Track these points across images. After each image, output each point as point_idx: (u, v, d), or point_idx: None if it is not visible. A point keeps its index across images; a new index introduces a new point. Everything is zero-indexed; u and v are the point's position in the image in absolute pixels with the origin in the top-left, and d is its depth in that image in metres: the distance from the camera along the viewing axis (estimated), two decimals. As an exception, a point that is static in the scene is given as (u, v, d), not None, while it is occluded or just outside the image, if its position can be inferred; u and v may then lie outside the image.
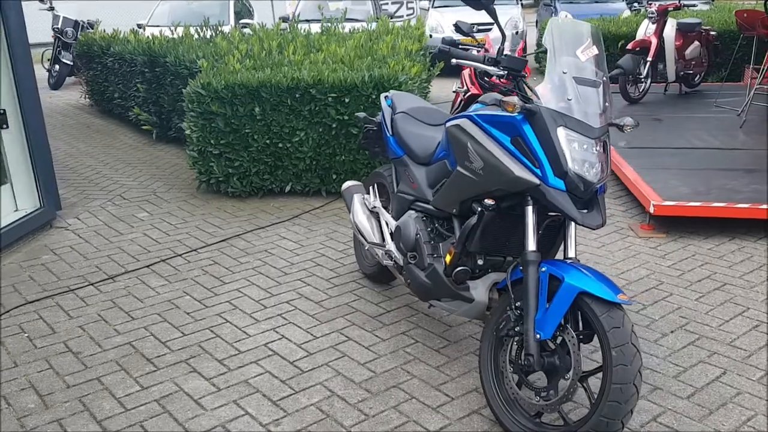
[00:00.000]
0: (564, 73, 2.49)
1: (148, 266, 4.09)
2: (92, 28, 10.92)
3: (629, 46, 7.61)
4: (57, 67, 11.05)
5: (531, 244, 2.50)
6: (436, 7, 13.01)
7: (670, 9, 7.63)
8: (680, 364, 3.04)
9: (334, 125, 5.07)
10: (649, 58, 7.50)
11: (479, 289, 2.80)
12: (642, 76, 7.64)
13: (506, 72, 2.62)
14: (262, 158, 5.19)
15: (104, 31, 9.03)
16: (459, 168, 2.74)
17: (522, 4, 13.42)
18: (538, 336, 2.41)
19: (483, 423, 2.66)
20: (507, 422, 2.54)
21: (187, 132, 5.23)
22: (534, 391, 2.49)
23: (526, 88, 2.65)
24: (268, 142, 5.14)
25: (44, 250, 4.33)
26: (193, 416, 2.69)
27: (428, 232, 3.02)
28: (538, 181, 2.44)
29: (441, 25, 12.10)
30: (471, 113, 2.71)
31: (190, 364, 3.05)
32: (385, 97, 3.65)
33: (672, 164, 5.31)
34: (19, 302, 3.63)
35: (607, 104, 2.54)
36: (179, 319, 3.44)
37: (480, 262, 2.77)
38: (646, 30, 7.68)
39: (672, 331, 3.32)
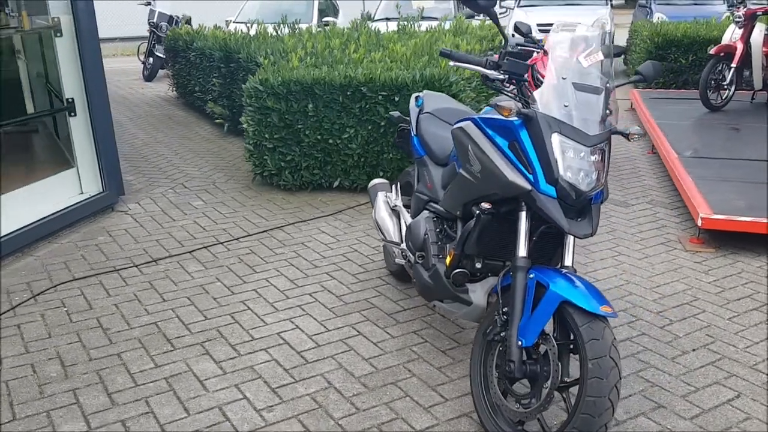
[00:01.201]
0: (563, 78, 2.45)
1: (190, 252, 4.30)
2: (188, 23, 11.47)
3: (712, 51, 7.25)
4: (151, 59, 11.66)
5: (522, 250, 2.48)
6: (521, 6, 12.81)
7: (759, 13, 7.21)
8: (693, 383, 2.92)
9: (382, 123, 5.14)
10: (734, 65, 7.12)
11: (478, 293, 2.80)
12: (725, 83, 7.26)
13: (507, 76, 2.60)
14: (313, 153, 5.32)
15: (201, 26, 9.44)
16: (461, 170, 2.74)
17: (612, 5, 12.98)
18: (520, 342, 2.39)
19: (470, 426, 2.65)
20: (489, 426, 2.53)
21: (245, 126, 5.43)
22: (515, 398, 2.47)
23: (528, 92, 2.61)
24: (318, 137, 5.27)
25: (101, 232, 4.63)
26: (194, 396, 2.83)
27: (437, 233, 3.03)
28: (529, 187, 2.42)
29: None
30: (476, 116, 2.71)
31: (204, 346, 3.20)
32: (416, 97, 3.67)
33: (735, 176, 5.04)
34: (67, 278, 3.91)
35: (607, 112, 2.47)
36: (205, 304, 3.61)
37: (478, 265, 2.77)
38: (732, 35, 7.29)
39: (694, 350, 3.18)
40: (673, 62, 9.26)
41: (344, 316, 3.49)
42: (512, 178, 2.44)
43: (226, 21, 11.80)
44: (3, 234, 4.15)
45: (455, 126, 2.80)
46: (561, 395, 2.43)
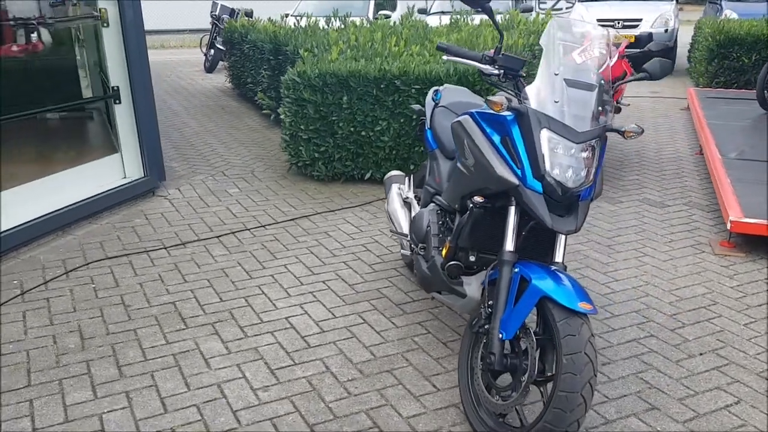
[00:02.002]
0: (555, 74, 2.45)
1: (218, 237, 4.45)
2: (248, 16, 11.75)
3: None
4: (212, 51, 12.00)
5: (509, 244, 2.50)
6: (582, 1, 12.57)
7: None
8: (693, 387, 2.87)
9: (414, 117, 5.17)
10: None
11: (473, 286, 2.82)
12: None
13: (502, 71, 2.61)
14: (346, 145, 5.41)
15: (256, 18, 9.68)
16: (458, 164, 2.77)
17: (678, 0, 12.58)
18: (500, 335, 2.41)
19: (457, 416, 2.69)
20: (471, 417, 2.56)
21: (282, 117, 5.57)
22: (495, 390, 2.49)
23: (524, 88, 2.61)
24: (352, 129, 5.35)
25: (139, 215, 4.85)
26: (197, 373, 2.96)
27: (439, 225, 3.06)
28: (517, 182, 2.43)
29: (584, 20, 11.69)
30: (474, 111, 2.72)
31: (215, 327, 3.34)
32: (435, 90, 3.70)
33: (777, 180, 4.86)
34: (100, 257, 4.12)
35: (600, 109, 2.46)
36: (223, 287, 3.75)
37: (472, 258, 2.79)
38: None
39: (701, 354, 3.12)
40: (735, 61, 8.93)
41: (353, 304, 3.57)
42: (500, 173, 2.46)
43: (284, 15, 12.02)
44: (48, 212, 4.40)
45: (455, 120, 2.83)
46: (539, 389, 2.44)
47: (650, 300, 3.64)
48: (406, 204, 3.67)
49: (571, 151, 2.39)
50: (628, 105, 6.12)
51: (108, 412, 2.69)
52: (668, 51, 11.45)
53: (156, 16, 18.65)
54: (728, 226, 4.14)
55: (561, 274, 2.41)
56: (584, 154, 2.41)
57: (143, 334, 3.27)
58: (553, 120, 2.40)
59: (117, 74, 5.04)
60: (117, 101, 5.09)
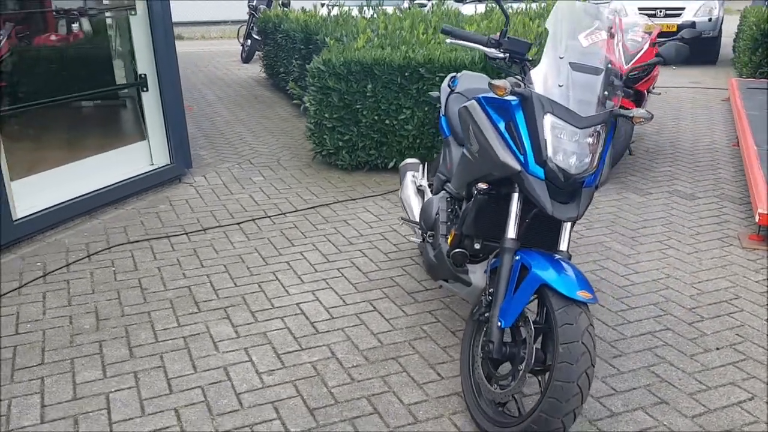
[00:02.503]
0: (561, 57, 2.40)
1: (238, 223, 4.50)
2: (287, 7, 11.80)
3: None
4: (249, 42, 12.09)
5: (510, 231, 2.46)
6: (623, -10, 12.25)
7: None
8: (706, 382, 2.79)
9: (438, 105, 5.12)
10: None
11: (478, 273, 2.79)
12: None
13: (507, 54, 2.56)
14: (370, 134, 5.40)
15: (296, 9, 9.71)
16: (464, 150, 2.74)
17: (724, -11, 12.18)
18: (499, 324, 2.37)
19: (458, 404, 2.67)
20: (471, 406, 2.54)
21: (307, 105, 5.59)
22: (494, 379, 2.46)
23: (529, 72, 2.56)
24: (376, 118, 5.34)
25: (164, 201, 4.92)
26: (205, 355, 2.99)
27: (448, 213, 3.03)
28: (519, 168, 2.39)
29: (625, 8, 11.42)
30: (481, 96, 2.68)
31: (227, 311, 3.37)
32: (452, 77, 3.66)
33: (814, 172, 4.67)
34: (122, 241, 4.20)
35: (606, 93, 2.39)
36: (239, 272, 3.78)
37: (477, 246, 2.75)
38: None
39: (717, 348, 3.03)
40: (781, 50, 8.62)
41: (365, 291, 3.56)
42: (503, 158, 2.42)
43: (321, 4, 12.04)
44: (75, 196, 4.50)
45: (461, 105, 2.79)
46: (537, 379, 2.40)
47: (670, 293, 3.55)
48: (420, 192, 3.64)
49: (574, 137, 2.33)
50: (659, 94, 5.96)
51: (115, 391, 2.75)
52: (711, 41, 11.12)
53: (198, 7, 18.93)
54: (756, 218, 4.01)
55: (563, 263, 2.36)
56: (588, 140, 2.35)
57: (156, 316, 3.32)
58: (556, 104, 2.35)
59: (144, 62, 5.12)
60: (144, 89, 5.17)
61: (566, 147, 2.33)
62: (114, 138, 5.29)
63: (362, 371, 2.88)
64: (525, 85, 2.46)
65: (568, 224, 2.49)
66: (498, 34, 2.63)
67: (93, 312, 3.36)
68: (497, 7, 7.69)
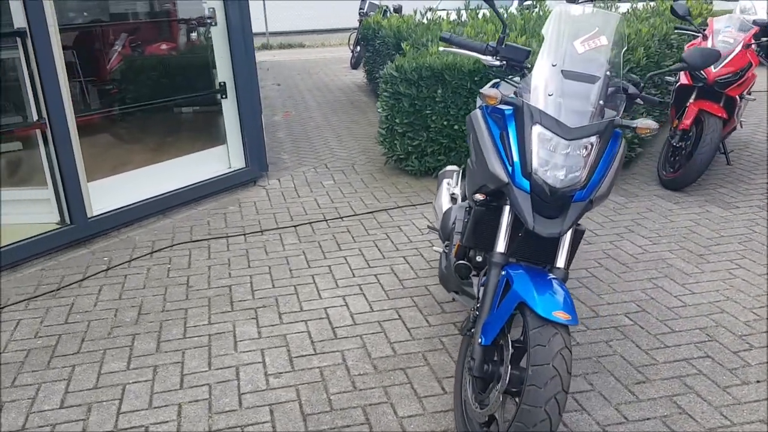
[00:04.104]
0: (553, 65, 2.28)
1: (295, 226, 4.62)
2: (398, 12, 11.94)
3: None
4: (358, 48, 12.33)
5: (500, 245, 2.37)
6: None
7: None
8: (732, 418, 2.55)
9: (505, 112, 5.00)
10: None
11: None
12: None
13: (505, 62, 2.46)
14: (439, 139, 5.36)
15: (396, 14, 9.83)
16: (468, 159, 2.66)
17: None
18: (480, 341, 2.29)
19: (452, 421, 2.60)
20: (457, 422, 2.47)
21: (379, 111, 5.63)
22: (476, 397, 2.37)
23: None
24: (445, 123, 5.29)
25: (234, 203, 5.14)
26: (223, 354, 3.11)
27: (465, 222, 2.95)
28: (507, 180, 2.29)
29: (755, 6, 10.58)
30: (485, 104, 2.59)
31: (257, 311, 3.47)
32: (495, 82, 3.56)
33: None
34: (185, 240, 4.44)
35: (602, 103, 2.24)
36: (280, 274, 3.89)
37: (479, 258, 2.66)
38: None
39: (758, 381, 2.75)
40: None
41: (395, 299, 3.55)
42: (492, 169, 2.33)
43: (429, 8, 12.05)
44: (156, 195, 4.81)
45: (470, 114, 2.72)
46: (515, 401, 2.28)
47: (723, 317, 3.26)
48: (453, 200, 3.57)
49: (562, 149, 2.21)
50: (754, 99, 5.46)
51: (133, 382, 2.91)
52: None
53: (318, 16, 19.57)
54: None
55: (551, 281, 2.24)
56: (578, 152, 2.21)
57: (192, 313, 3.49)
58: (545, 115, 2.23)
59: (224, 71, 5.37)
60: (224, 96, 5.42)
61: (552, 159, 2.21)
62: (198, 142, 5.59)
63: (366, 380, 2.87)
64: (520, 94, 2.35)
65: (567, 239, 2.36)
66: (496, 41, 2.53)
67: (137, 306, 3.58)
68: (611, 7, 7.43)
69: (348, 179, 5.62)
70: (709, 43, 4.99)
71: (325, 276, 3.84)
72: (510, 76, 2.71)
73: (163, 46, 6.56)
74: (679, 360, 2.94)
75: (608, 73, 2.28)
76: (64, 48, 6.31)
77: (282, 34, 18.49)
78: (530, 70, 2.46)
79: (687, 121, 4.98)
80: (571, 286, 3.66)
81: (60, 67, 4.14)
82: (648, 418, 2.57)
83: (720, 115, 4.86)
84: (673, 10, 5.09)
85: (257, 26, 16.99)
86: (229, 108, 5.44)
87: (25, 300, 3.67)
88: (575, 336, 3.17)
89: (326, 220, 4.70)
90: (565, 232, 2.25)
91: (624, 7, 8.05)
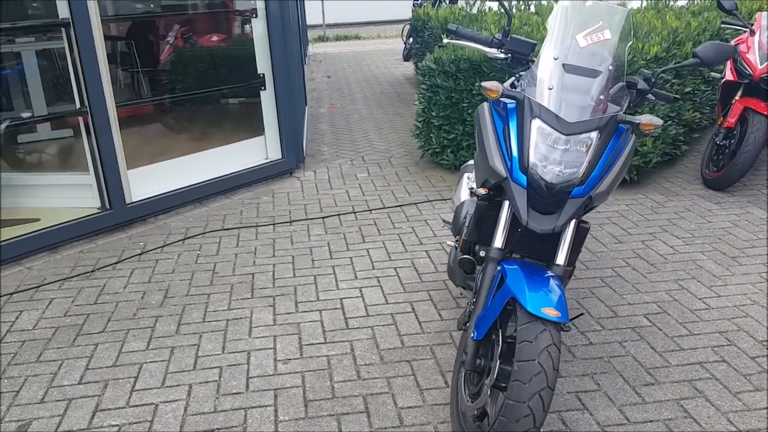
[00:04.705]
0: (555, 59, 2.25)
1: (323, 217, 4.68)
2: (454, 3, 11.87)
3: None
4: (410, 40, 12.32)
5: (497, 241, 2.36)
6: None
7: None
8: (739, 424, 2.48)
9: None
10: None
11: (486, 282, 2.69)
12: None
13: (509, 55, 2.44)
14: (474, 132, 5.33)
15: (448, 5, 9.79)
16: (475, 153, 2.66)
17: None
18: (472, 335, 2.29)
19: (449, 415, 2.60)
20: (452, 416, 2.48)
21: (416, 103, 5.64)
22: (468, 391, 2.37)
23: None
24: (479, 118, 5.25)
25: (268, 193, 5.25)
26: (237, 339, 3.19)
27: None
28: (505, 174, 2.28)
29: None
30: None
31: (275, 299, 3.55)
32: (518, 75, 3.53)
33: None
34: (217, 228, 4.56)
35: (602, 98, 2.20)
36: (302, 264, 3.96)
37: (482, 253, 2.65)
38: None
39: (771, 390, 2.65)
40: None
41: (411, 293, 3.56)
42: (492, 163, 2.33)
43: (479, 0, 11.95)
44: (193, 183, 4.95)
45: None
46: (503, 396, 2.28)
47: (746, 322, 3.16)
48: (472, 194, 3.55)
49: (559, 144, 2.19)
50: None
51: (149, 362, 3.03)
52: None
53: (375, 7, 19.62)
54: None
55: (545, 278, 2.22)
56: (576, 148, 2.19)
57: (214, 299, 3.59)
58: (544, 109, 2.22)
59: (263, 63, 5.47)
60: (263, 88, 5.53)
61: (550, 154, 2.19)
62: (238, 132, 5.72)
63: (371, 370, 2.91)
64: (514, 86, 2.34)
65: (567, 236, 2.33)
66: (501, 34, 2.51)
67: (164, 290, 3.71)
68: (670, 2, 7.23)
69: (382, 172, 5.65)
70: (756, 39, 4.80)
71: (346, 267, 3.89)
72: (517, 69, 2.69)
73: (214, 38, 6.72)
74: (693, 363, 2.87)
75: (611, 67, 2.24)
76: (117, 39, 6.56)
77: (339, 26, 18.64)
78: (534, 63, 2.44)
79: (731, 119, 4.82)
80: (594, 285, 3.61)
81: (101, 57, 4.30)
82: (651, 421, 2.52)
83: (766, 113, 4.68)
84: (719, 4, 4.92)
85: (314, 18, 17.08)
86: (267, 99, 5.54)
87: (60, 280, 3.85)
88: (589, 336, 3.13)
89: (354, 213, 4.75)
90: (560, 229, 2.23)
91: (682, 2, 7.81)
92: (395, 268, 3.85)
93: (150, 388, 2.84)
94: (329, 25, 18.08)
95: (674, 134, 5.24)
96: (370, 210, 4.78)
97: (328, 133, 7.12)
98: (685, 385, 2.73)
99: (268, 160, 5.58)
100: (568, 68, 2.23)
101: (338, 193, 5.17)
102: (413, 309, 3.40)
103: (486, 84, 2.31)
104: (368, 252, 4.09)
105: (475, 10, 7.93)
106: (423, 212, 4.69)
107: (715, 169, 5.05)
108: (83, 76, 4.27)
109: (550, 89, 2.22)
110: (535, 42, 2.49)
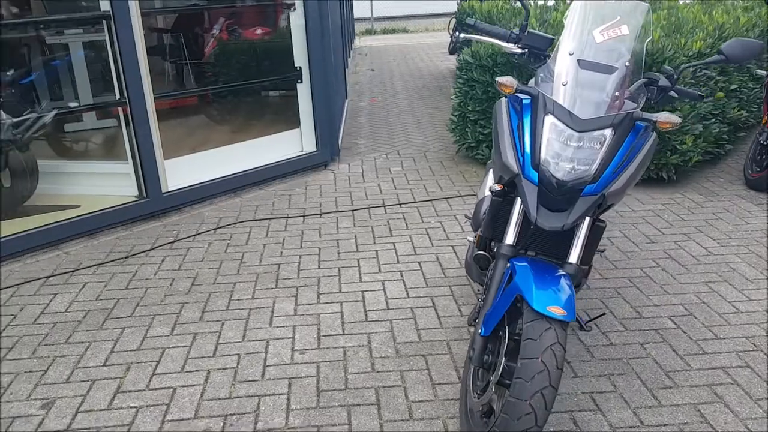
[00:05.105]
0: (570, 54, 2.22)
1: (353, 210, 4.71)
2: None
3: None
4: (457, 33, 12.22)
5: (508, 237, 2.35)
6: None
7: None
8: (757, 430, 2.40)
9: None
10: None
11: (501, 279, 2.68)
12: None
13: (526, 50, 2.41)
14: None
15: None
16: (493, 148, 2.65)
17: None
18: (479, 332, 2.29)
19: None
20: (461, 411, 2.48)
21: (452, 98, 5.62)
22: (474, 387, 2.37)
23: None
24: (514, 113, 5.20)
25: (300, 185, 5.31)
26: (258, 327, 3.25)
27: (495, 213, 2.93)
28: (517, 170, 2.27)
29: None
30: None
31: (298, 290, 3.60)
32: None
33: None
34: (248, 218, 4.64)
35: (617, 94, 2.16)
36: (328, 256, 4.00)
37: (496, 249, 2.64)
38: None
39: (794, 398, 2.57)
40: None
41: (433, 287, 3.57)
42: (505, 159, 2.32)
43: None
44: (228, 174, 5.05)
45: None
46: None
47: (775, 327, 3.06)
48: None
49: (570, 140, 2.16)
50: None
51: (172, 347, 3.11)
52: None
53: (427, 1, 19.55)
54: None
55: (555, 276, 2.20)
56: (589, 145, 2.15)
57: (239, 288, 3.66)
58: (557, 105, 2.19)
59: (300, 56, 5.53)
60: (299, 80, 5.58)
61: (563, 151, 2.16)
62: (275, 124, 5.80)
63: (386, 363, 2.92)
64: (537, 83, 2.32)
65: (581, 234, 2.30)
66: (518, 28, 2.48)
67: (192, 277, 3.79)
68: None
69: (416, 166, 5.65)
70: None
71: (371, 260, 3.91)
72: (534, 65, 2.66)
73: (258, 31, 6.81)
74: (715, 368, 2.80)
75: (627, 64, 2.19)
76: (164, 31, 6.70)
77: (387, 19, 18.65)
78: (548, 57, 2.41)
79: (776, 118, 4.66)
80: (620, 285, 3.55)
81: (140, 50, 4.41)
82: (665, 425, 2.48)
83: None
84: (767, -1, 4.75)
85: (363, 11, 17.11)
86: (303, 92, 5.59)
87: (95, 265, 3.98)
88: (610, 336, 3.08)
89: (384, 206, 4.76)
90: (569, 227, 2.20)
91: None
92: (419, 263, 3.85)
93: (170, 373, 2.91)
94: (377, 19, 18.10)
95: (717, 132, 5.09)
96: (400, 204, 4.79)
97: (366, 126, 7.15)
98: (704, 390, 2.66)
99: (303, 153, 5.63)
100: (583, 64, 2.19)
101: (370, 187, 5.19)
102: (433, 304, 3.40)
103: (500, 79, 2.29)
104: (394, 246, 4.10)
105: (518, 4, 7.82)
106: (453, 207, 4.67)
107: (758, 169, 4.89)
108: (122, 67, 4.38)
109: (564, 85, 2.20)
110: (553, 37, 2.46)
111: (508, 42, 2.50)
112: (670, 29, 5.41)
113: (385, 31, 17.38)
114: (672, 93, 2.44)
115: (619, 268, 3.76)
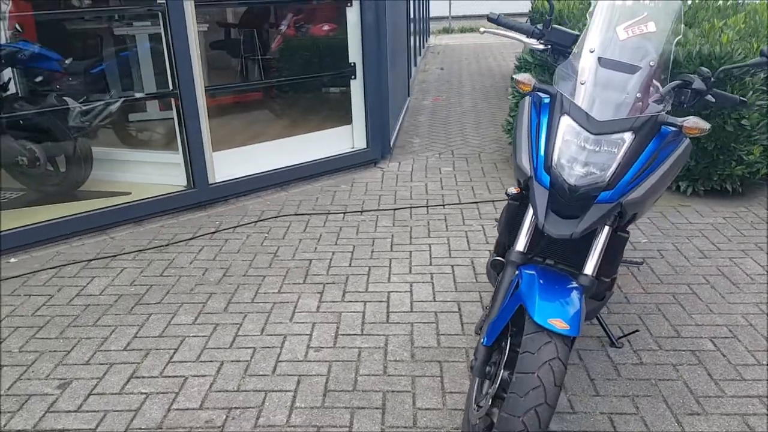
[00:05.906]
0: (591, 51, 2.09)
1: (395, 209, 4.65)
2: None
3: None
4: (481, 29, 11.95)
5: (519, 243, 2.23)
6: None
7: None
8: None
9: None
10: None
11: (515, 286, 2.56)
12: None
13: (549, 46, 2.28)
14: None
15: None
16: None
17: None
18: (482, 341, 2.18)
19: (466, 422, 2.50)
20: (463, 423, 2.38)
21: (509, 98, 5.47)
22: (475, 399, 2.26)
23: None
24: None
25: (347, 182, 5.28)
26: (278, 322, 3.23)
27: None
28: (530, 172, 2.15)
29: None
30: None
31: (324, 287, 3.56)
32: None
33: None
34: (290, 212, 4.65)
35: (640, 95, 2.01)
36: (361, 254, 3.95)
37: (513, 256, 2.52)
38: None
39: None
40: None
41: (462, 292, 3.46)
42: (519, 161, 2.21)
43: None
44: (276, 168, 5.08)
45: (522, 102, 2.57)
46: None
47: (826, 357, 2.80)
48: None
49: (586, 143, 2.02)
50: None
51: (191, 336, 3.13)
52: None
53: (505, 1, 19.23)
54: None
55: (564, 288, 2.07)
56: (606, 149, 2.02)
57: (268, 281, 3.66)
58: (574, 105, 2.06)
59: (355, 52, 5.50)
60: (353, 77, 5.56)
61: (578, 155, 2.03)
62: (328, 120, 5.80)
63: (398, 367, 2.85)
64: (556, 81, 2.19)
65: (599, 244, 2.16)
66: (542, 24, 2.36)
67: (225, 268, 3.82)
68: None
69: (468, 167, 5.53)
70: None
71: (403, 261, 3.84)
72: (558, 62, 2.52)
73: (325, 27, 6.84)
74: (751, 396, 2.58)
75: (652, 63, 2.03)
76: (232, 26, 6.81)
77: (464, 18, 18.46)
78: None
79: None
80: (663, 301, 3.35)
81: (193, 42, 4.48)
82: (683, 454, 2.30)
83: None
84: None
85: (440, 10, 17.06)
86: (356, 89, 5.57)
87: (136, 251, 4.07)
88: (641, 354, 2.90)
89: (427, 207, 4.67)
90: (578, 235, 2.06)
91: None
92: (452, 266, 3.75)
93: (185, 361, 2.93)
94: (455, 17, 17.95)
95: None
96: (444, 205, 4.69)
97: (425, 125, 7.07)
98: (734, 419, 2.46)
99: (353, 149, 5.61)
100: (603, 62, 2.05)
101: (417, 186, 5.11)
102: (459, 309, 3.29)
103: (518, 77, 2.18)
104: (430, 247, 4.01)
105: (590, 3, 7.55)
106: (498, 210, 4.54)
107: (835, 184, 4.52)
108: (174, 60, 4.47)
109: (582, 84, 2.06)
110: (578, 33, 2.32)
111: (531, 38, 2.38)
112: (746, 32, 5.07)
113: (462, 30, 17.21)
114: (708, 97, 2.26)
115: (665, 282, 3.54)
